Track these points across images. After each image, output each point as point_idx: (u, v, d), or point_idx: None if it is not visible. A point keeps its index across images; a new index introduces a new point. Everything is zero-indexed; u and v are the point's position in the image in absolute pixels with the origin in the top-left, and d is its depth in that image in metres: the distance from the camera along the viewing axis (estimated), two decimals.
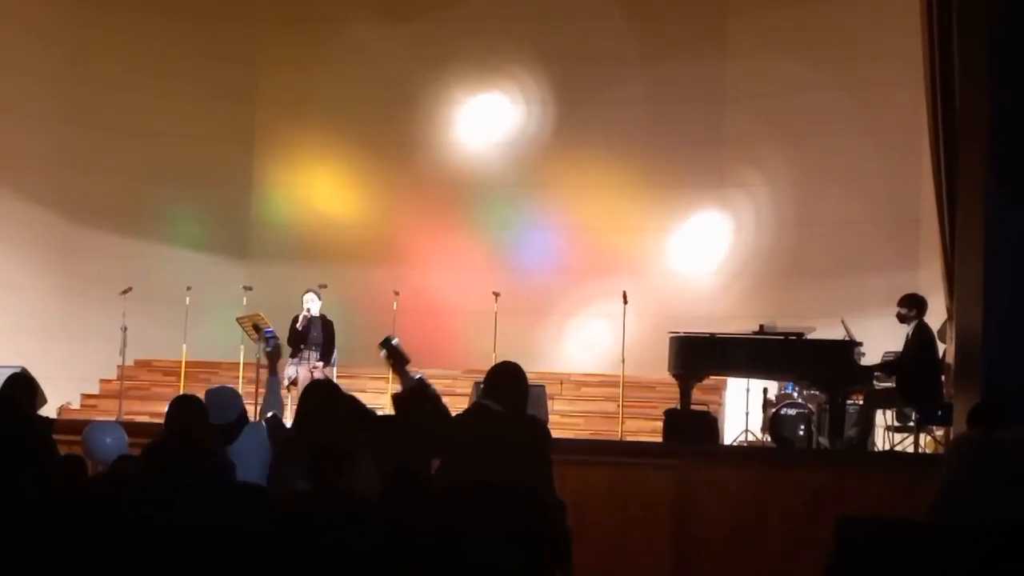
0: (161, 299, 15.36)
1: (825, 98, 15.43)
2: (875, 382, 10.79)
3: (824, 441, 10.75)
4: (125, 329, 13.64)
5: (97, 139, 16.45)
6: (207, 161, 17.05)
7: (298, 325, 13.33)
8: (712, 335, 11.36)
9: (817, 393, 11.59)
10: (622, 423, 12.97)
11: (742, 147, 16.23)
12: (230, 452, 5.87)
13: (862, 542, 5.13)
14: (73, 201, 16.32)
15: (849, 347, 10.68)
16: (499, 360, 6.64)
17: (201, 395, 6.28)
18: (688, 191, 16.48)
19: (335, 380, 12.31)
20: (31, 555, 4.93)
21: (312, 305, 13.42)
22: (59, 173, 16.25)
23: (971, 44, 8.72)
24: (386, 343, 6.44)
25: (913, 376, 10.36)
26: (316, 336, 13.32)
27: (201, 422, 5.80)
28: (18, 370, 8.21)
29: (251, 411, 6.91)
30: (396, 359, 6.44)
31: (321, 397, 5.89)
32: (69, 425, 10.26)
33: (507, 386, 6.07)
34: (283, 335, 13.57)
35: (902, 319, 10.67)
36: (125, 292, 13.84)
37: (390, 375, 13.90)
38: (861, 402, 11.03)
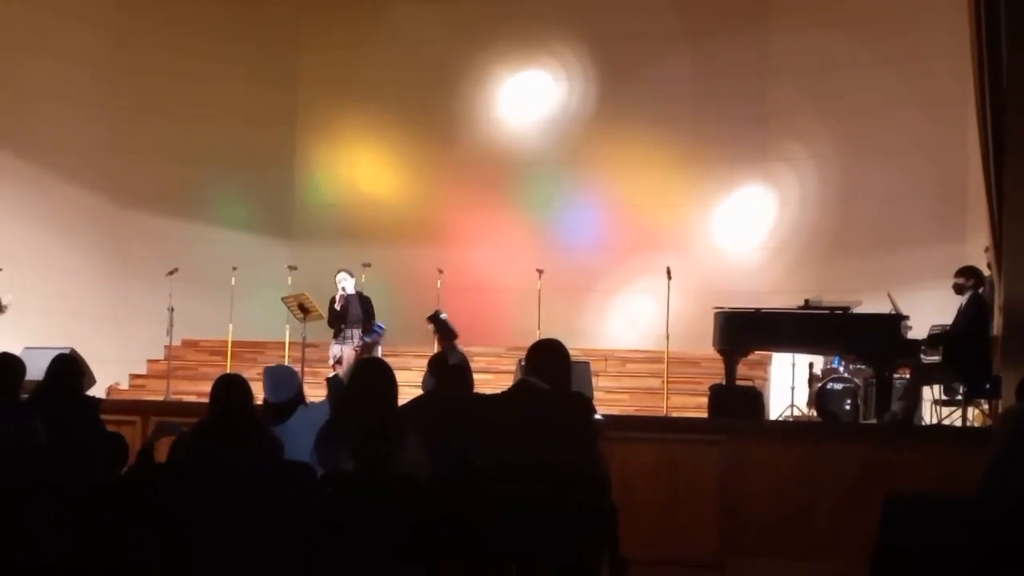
0: (207, 280, 15.46)
1: (870, 71, 15.30)
2: (922, 356, 10.71)
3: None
4: (172, 310, 13.75)
5: (142, 123, 16.57)
6: (251, 143, 17.15)
7: (336, 305, 13.38)
8: (757, 310, 11.30)
9: (863, 367, 11.53)
10: (667, 399, 12.95)
11: (786, 121, 16.12)
12: (281, 431, 5.88)
13: (910, 519, 5.10)
14: (119, 185, 16.46)
15: (896, 321, 10.59)
16: (544, 336, 6.64)
17: (247, 375, 6.30)
18: (732, 166, 16.40)
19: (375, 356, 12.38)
20: (80, 535, 4.98)
21: (346, 284, 13.47)
22: (105, 157, 16.38)
23: (1019, 14, 8.60)
24: (434, 317, 6.47)
25: (962, 348, 10.26)
26: (356, 314, 13.37)
27: (247, 401, 5.83)
28: (67, 351, 8.30)
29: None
30: (443, 333, 6.46)
31: (368, 376, 5.88)
32: (117, 405, 10.37)
33: (551, 363, 6.07)
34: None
35: (959, 290, 10.56)
36: (171, 273, 13.95)
37: (433, 353, 14.00)
38: (908, 376, 10.94)
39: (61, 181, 15.90)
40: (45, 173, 15.75)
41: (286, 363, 13.92)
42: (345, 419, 5.64)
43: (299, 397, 6.25)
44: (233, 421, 5.62)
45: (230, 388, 5.83)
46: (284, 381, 6.23)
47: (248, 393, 5.86)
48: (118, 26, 16.52)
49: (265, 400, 6.24)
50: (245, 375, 6.16)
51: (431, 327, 6.46)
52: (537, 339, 6.44)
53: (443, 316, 6.47)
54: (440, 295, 14.46)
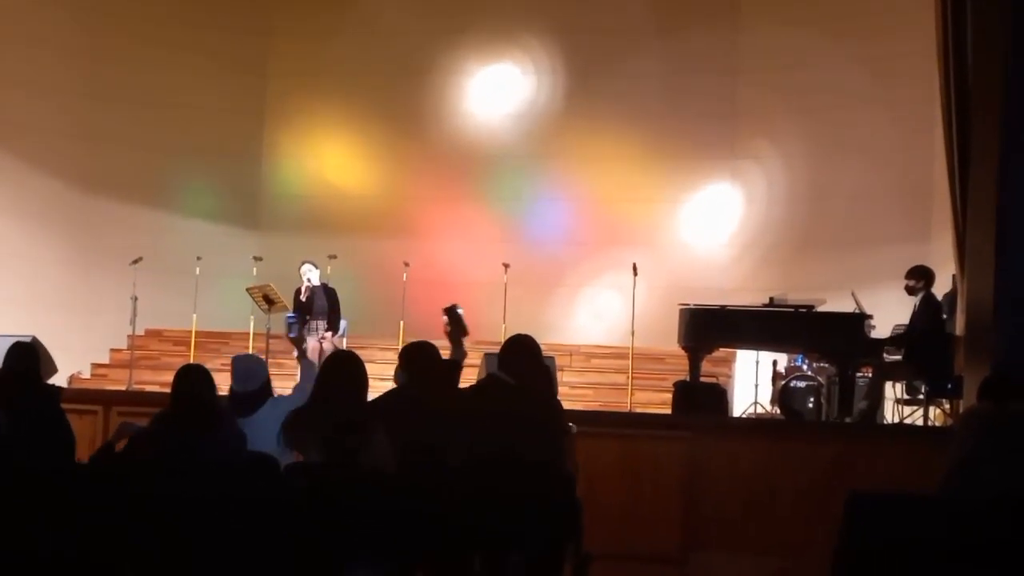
0: (172, 269, 15.37)
1: (838, 70, 15.37)
2: (885, 355, 10.77)
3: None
4: (135, 299, 13.66)
5: (110, 111, 16.44)
6: (219, 132, 17.06)
7: (301, 296, 13.34)
8: (722, 307, 11.33)
9: (827, 366, 11.58)
10: (631, 395, 12.97)
11: (754, 119, 16.17)
12: (248, 423, 5.83)
13: (873, 516, 5.13)
14: (85, 172, 16.33)
15: (859, 319, 10.65)
16: (509, 332, 6.65)
17: (210, 365, 6.23)
18: (700, 163, 16.44)
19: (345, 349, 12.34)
20: (42, 525, 4.94)
21: (311, 275, 13.43)
22: (71, 145, 16.25)
23: (985, 17, 8.66)
24: (450, 311, 6.43)
25: (922, 348, 10.34)
26: (321, 305, 13.34)
27: (208, 391, 5.77)
28: (28, 339, 8.22)
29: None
30: (456, 327, 6.43)
31: (340, 369, 5.85)
32: (79, 394, 10.29)
33: (520, 358, 6.08)
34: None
35: (910, 291, 10.67)
36: (135, 262, 13.85)
37: (399, 346, 13.94)
38: (871, 375, 11.01)
39: (25, 168, 15.75)
40: (8, 159, 15.61)
41: (264, 355, 13.85)
42: (315, 410, 5.61)
43: (266, 388, 6.17)
44: (194, 411, 5.58)
45: (191, 378, 5.78)
46: (251, 372, 6.14)
47: (210, 383, 5.80)
48: (88, 13, 16.36)
49: (232, 390, 6.17)
50: (208, 365, 6.09)
51: (445, 319, 6.40)
52: (504, 333, 6.44)
53: (460, 311, 6.42)
54: (406, 288, 14.43)
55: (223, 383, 6.01)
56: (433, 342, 6.29)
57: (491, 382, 6.11)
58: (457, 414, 5.96)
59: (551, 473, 5.80)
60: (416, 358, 6.16)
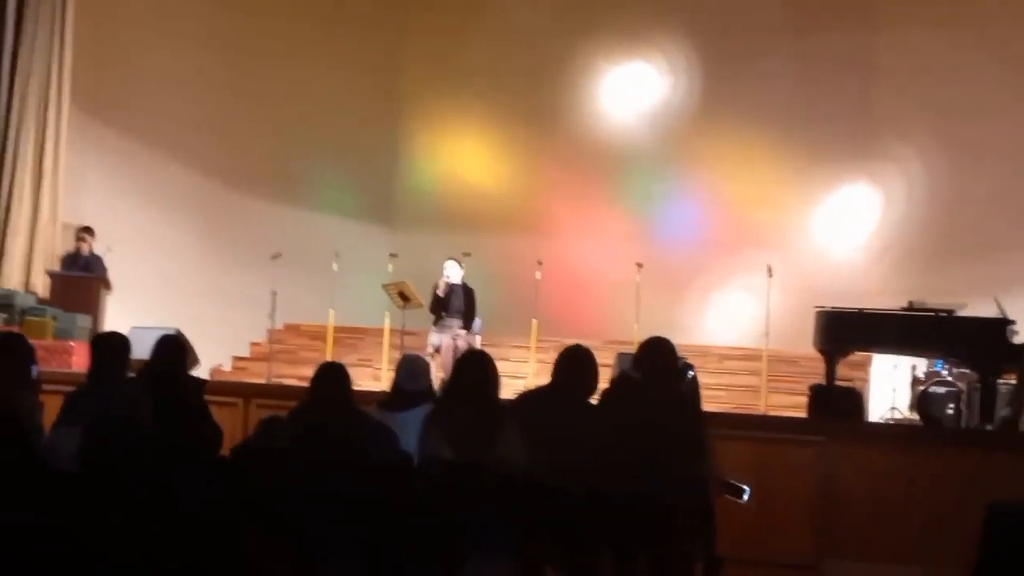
0: (310, 265, 15.58)
1: (977, 70, 15.07)
2: None
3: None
4: (275, 293, 13.87)
5: (251, 107, 16.76)
6: (355, 130, 17.29)
7: (439, 292, 13.41)
8: (860, 310, 11.16)
9: (967, 371, 11.34)
10: (765, 397, 12.84)
11: (892, 120, 15.91)
12: (402, 418, 5.95)
13: (1013, 529, 5.00)
14: (224, 167, 16.66)
15: (1002, 325, 10.40)
16: (643, 332, 6.66)
17: (346, 360, 6.37)
18: (835, 164, 16.22)
19: (478, 348, 12.42)
20: (180, 512, 5.07)
21: (452, 272, 13.50)
22: (211, 139, 16.56)
23: None
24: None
25: None
26: (457, 303, 13.40)
27: (344, 390, 5.88)
28: (173, 332, 8.44)
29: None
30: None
31: (474, 367, 5.92)
32: (220, 387, 10.52)
33: (655, 360, 6.09)
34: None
35: None
36: (275, 257, 14.08)
37: (532, 344, 13.99)
38: (1014, 381, 10.74)
39: (170, 161, 16.08)
40: (150, 151, 15.95)
41: (399, 351, 14.01)
42: (447, 408, 5.69)
43: (431, 390, 6.35)
44: (334, 408, 5.69)
45: (328, 377, 5.88)
46: (420, 372, 6.39)
47: (348, 382, 5.92)
48: (228, 9, 16.65)
49: (397, 386, 6.34)
50: (344, 360, 6.23)
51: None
52: (637, 333, 6.46)
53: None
54: (539, 286, 14.47)
55: (359, 378, 6.14)
56: (567, 340, 6.32)
57: (623, 381, 6.12)
58: (590, 416, 5.97)
59: (683, 474, 5.78)
60: (568, 363, 6.21)
